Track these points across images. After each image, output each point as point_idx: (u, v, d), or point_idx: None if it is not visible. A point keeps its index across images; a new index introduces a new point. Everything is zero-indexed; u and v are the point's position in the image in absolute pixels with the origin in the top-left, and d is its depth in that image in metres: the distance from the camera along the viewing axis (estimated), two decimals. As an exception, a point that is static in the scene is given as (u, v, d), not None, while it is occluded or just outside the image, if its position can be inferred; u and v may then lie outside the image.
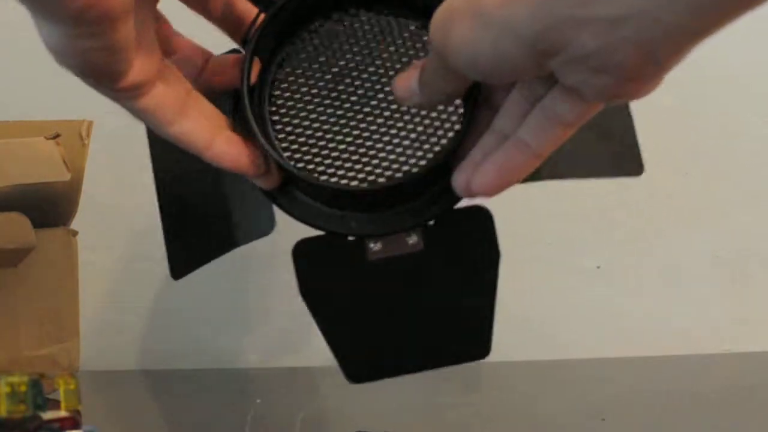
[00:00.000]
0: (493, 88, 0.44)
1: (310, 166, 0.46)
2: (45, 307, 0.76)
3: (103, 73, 0.40)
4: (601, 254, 0.95)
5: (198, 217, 0.53)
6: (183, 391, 0.86)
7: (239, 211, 0.51)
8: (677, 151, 0.95)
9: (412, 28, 0.47)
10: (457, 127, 0.46)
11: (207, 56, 0.46)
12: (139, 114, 0.43)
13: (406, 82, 0.42)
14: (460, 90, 0.42)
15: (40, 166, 0.73)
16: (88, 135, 0.76)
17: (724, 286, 0.95)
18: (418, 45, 0.47)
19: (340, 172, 0.46)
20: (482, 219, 0.48)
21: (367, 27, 0.47)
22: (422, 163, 0.46)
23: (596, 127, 0.47)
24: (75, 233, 0.79)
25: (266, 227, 0.49)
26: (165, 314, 0.96)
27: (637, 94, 0.37)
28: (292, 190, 0.47)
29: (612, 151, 0.50)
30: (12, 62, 0.96)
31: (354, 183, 0.46)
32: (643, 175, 0.91)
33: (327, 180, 0.46)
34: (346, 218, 0.47)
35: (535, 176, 0.46)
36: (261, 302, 0.94)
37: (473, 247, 0.48)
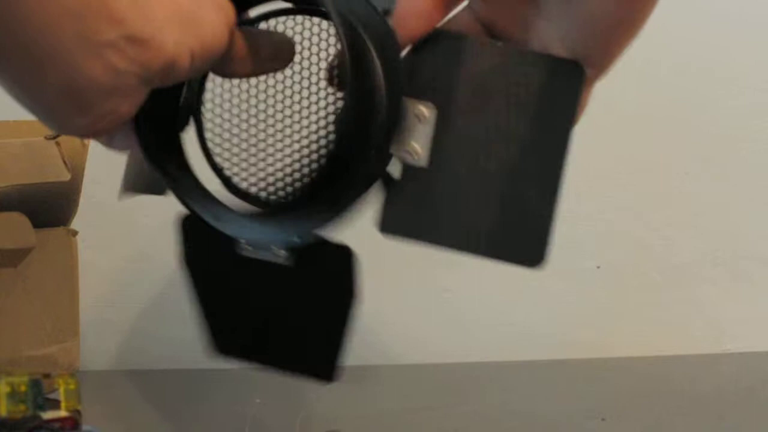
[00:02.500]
0: None
1: (228, 165, 0.46)
2: (45, 307, 0.76)
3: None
4: (601, 254, 0.95)
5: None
6: (183, 391, 0.86)
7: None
8: (677, 151, 0.95)
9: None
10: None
11: None
12: None
13: None
14: None
15: (40, 166, 0.73)
16: (88, 135, 0.76)
17: (724, 286, 0.95)
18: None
19: (236, 173, 0.45)
20: (345, 259, 0.45)
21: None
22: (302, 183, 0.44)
23: (510, 207, 0.44)
24: (75, 233, 0.79)
25: (159, 188, 0.48)
26: (165, 314, 0.96)
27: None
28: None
29: (516, 235, 0.45)
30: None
31: (240, 186, 0.45)
32: (643, 175, 0.91)
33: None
34: (221, 212, 0.45)
35: (433, 240, 0.44)
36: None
37: (332, 282, 0.46)
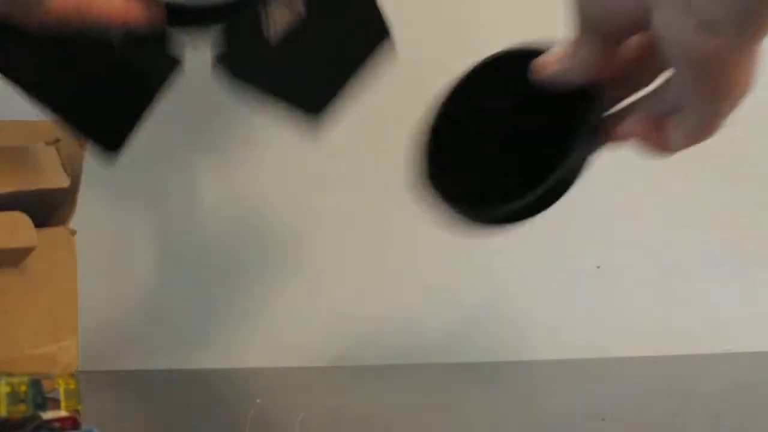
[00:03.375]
0: None
1: None
2: (45, 306, 0.76)
3: None
4: (601, 254, 0.95)
5: (101, 97, 0.54)
6: (183, 391, 0.86)
7: (141, 61, 0.52)
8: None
9: None
10: None
11: None
12: None
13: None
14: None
15: (40, 173, 0.73)
16: (88, 134, 0.76)
17: (724, 286, 0.95)
18: None
19: None
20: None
21: None
22: None
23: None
24: (74, 233, 0.79)
25: (174, 61, 0.53)
26: (165, 314, 0.96)
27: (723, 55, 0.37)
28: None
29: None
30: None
31: None
32: (643, 174, 0.91)
33: None
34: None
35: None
36: (260, 302, 0.94)
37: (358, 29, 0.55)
